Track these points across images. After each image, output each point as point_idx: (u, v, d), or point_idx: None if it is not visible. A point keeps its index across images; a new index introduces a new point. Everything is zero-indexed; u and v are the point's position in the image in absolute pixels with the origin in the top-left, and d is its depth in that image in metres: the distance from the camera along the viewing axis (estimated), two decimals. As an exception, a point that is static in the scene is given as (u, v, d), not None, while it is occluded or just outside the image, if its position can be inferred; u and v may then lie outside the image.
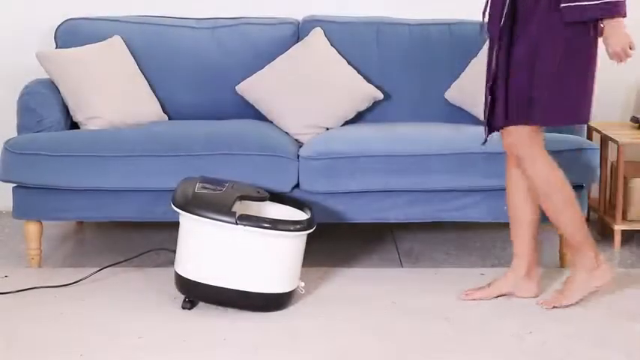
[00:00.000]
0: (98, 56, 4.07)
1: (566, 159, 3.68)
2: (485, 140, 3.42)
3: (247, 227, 3.23)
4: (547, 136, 3.76)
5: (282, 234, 3.27)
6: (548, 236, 4.24)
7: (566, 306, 3.35)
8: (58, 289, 3.52)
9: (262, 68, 4.17)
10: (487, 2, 3.35)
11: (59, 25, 4.25)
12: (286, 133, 4.02)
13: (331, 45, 4.20)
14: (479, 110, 4.11)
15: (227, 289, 3.27)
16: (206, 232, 3.26)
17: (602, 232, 4.30)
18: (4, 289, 3.52)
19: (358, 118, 4.16)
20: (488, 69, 3.33)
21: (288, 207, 3.54)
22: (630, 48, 3.21)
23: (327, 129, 4.03)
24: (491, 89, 3.30)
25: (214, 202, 3.27)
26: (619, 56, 3.22)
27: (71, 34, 4.22)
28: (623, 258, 4.00)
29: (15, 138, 3.80)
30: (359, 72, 4.16)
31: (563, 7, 3.18)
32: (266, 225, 3.25)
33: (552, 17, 3.20)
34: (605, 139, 4.24)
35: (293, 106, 4.04)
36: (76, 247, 4.16)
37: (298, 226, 3.31)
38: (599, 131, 4.24)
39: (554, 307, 3.35)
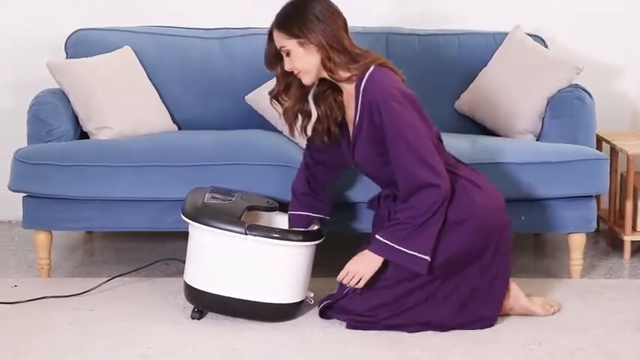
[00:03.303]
0: (108, 66, 4.08)
1: (576, 169, 3.68)
2: None
3: (256, 237, 3.23)
4: (556, 146, 3.78)
5: (292, 244, 3.27)
6: (558, 247, 4.25)
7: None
8: (67, 299, 3.53)
9: (271, 78, 4.17)
10: None
11: (69, 36, 4.27)
12: (295, 143, 4.03)
13: (340, 55, 4.20)
14: (489, 121, 4.13)
15: (236, 299, 3.27)
16: (215, 242, 3.27)
17: (611, 243, 4.29)
18: (13, 298, 3.53)
19: (367, 128, 4.16)
20: None
21: (297, 217, 3.54)
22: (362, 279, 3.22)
23: (336, 139, 4.04)
24: None
25: (224, 212, 3.28)
26: (348, 276, 3.21)
27: (81, 45, 4.24)
28: (632, 268, 3.99)
29: (25, 148, 3.81)
30: (368, 82, 4.16)
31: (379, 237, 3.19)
32: (275, 235, 3.25)
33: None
34: (614, 150, 4.24)
35: (302, 117, 4.04)
36: (86, 256, 4.16)
37: (307, 237, 3.32)
38: (608, 141, 4.24)
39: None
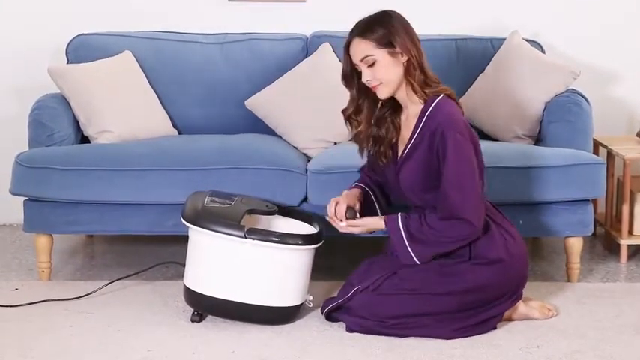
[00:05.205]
0: (109, 71, 4.10)
1: (573, 174, 3.70)
2: None
3: (256, 241, 3.25)
4: (553, 151, 3.80)
5: (291, 248, 3.29)
6: (555, 250, 4.26)
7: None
8: (68, 302, 3.55)
9: (271, 83, 4.20)
10: None
11: (70, 41, 4.29)
12: (295, 147, 4.05)
13: (339, 60, 4.21)
14: (487, 125, 4.15)
15: (235, 302, 3.29)
16: (215, 246, 3.29)
17: (608, 247, 4.31)
18: (14, 301, 3.54)
19: (366, 132, 4.17)
20: None
21: (296, 221, 3.56)
22: None
23: (335, 143, 4.06)
24: None
25: (223, 216, 3.30)
26: (345, 227, 3.28)
27: (82, 50, 4.26)
28: (629, 272, 4.01)
29: (26, 152, 3.83)
30: (367, 87, 4.18)
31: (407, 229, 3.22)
32: (274, 239, 3.27)
33: None
34: (611, 154, 4.26)
35: (301, 121, 4.07)
36: (86, 260, 4.18)
37: (306, 240, 3.33)
38: (605, 146, 4.26)
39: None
